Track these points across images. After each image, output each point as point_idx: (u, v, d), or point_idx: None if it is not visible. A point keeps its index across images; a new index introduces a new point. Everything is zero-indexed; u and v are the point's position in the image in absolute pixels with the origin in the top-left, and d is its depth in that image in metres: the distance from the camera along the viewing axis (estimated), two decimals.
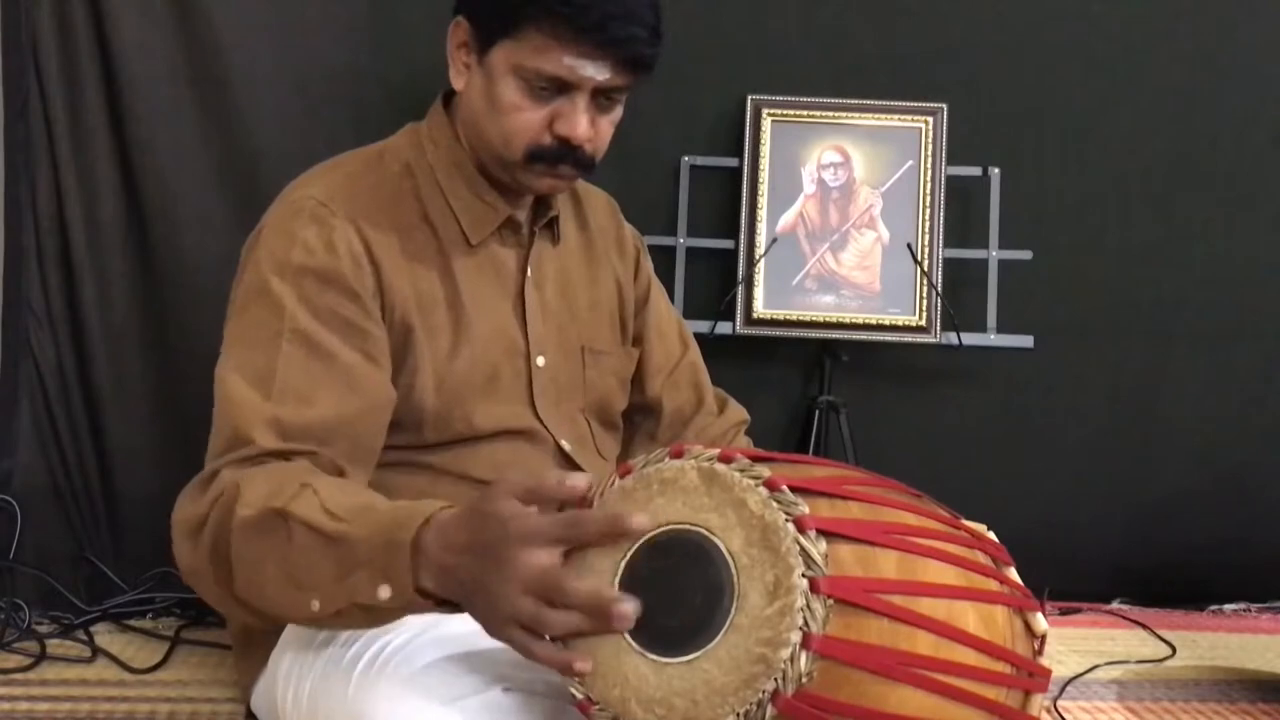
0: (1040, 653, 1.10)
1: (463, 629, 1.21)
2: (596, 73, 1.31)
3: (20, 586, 1.98)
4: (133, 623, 1.99)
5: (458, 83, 1.40)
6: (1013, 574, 1.11)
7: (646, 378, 1.66)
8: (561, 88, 1.32)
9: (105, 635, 1.94)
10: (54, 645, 1.87)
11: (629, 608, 0.92)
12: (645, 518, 0.95)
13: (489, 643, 1.17)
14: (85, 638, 1.91)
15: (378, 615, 1.07)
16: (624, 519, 0.94)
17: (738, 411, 1.75)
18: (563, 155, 1.36)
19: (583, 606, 0.94)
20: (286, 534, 1.10)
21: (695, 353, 1.73)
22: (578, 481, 0.97)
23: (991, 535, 1.13)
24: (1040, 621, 1.10)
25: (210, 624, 1.96)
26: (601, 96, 1.35)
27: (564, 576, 0.95)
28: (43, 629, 1.93)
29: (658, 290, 1.70)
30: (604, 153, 1.41)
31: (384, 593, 1.03)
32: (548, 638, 0.97)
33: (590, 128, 1.35)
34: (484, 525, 0.98)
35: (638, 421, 1.66)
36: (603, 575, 0.98)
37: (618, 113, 1.39)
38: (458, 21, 1.38)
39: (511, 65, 1.32)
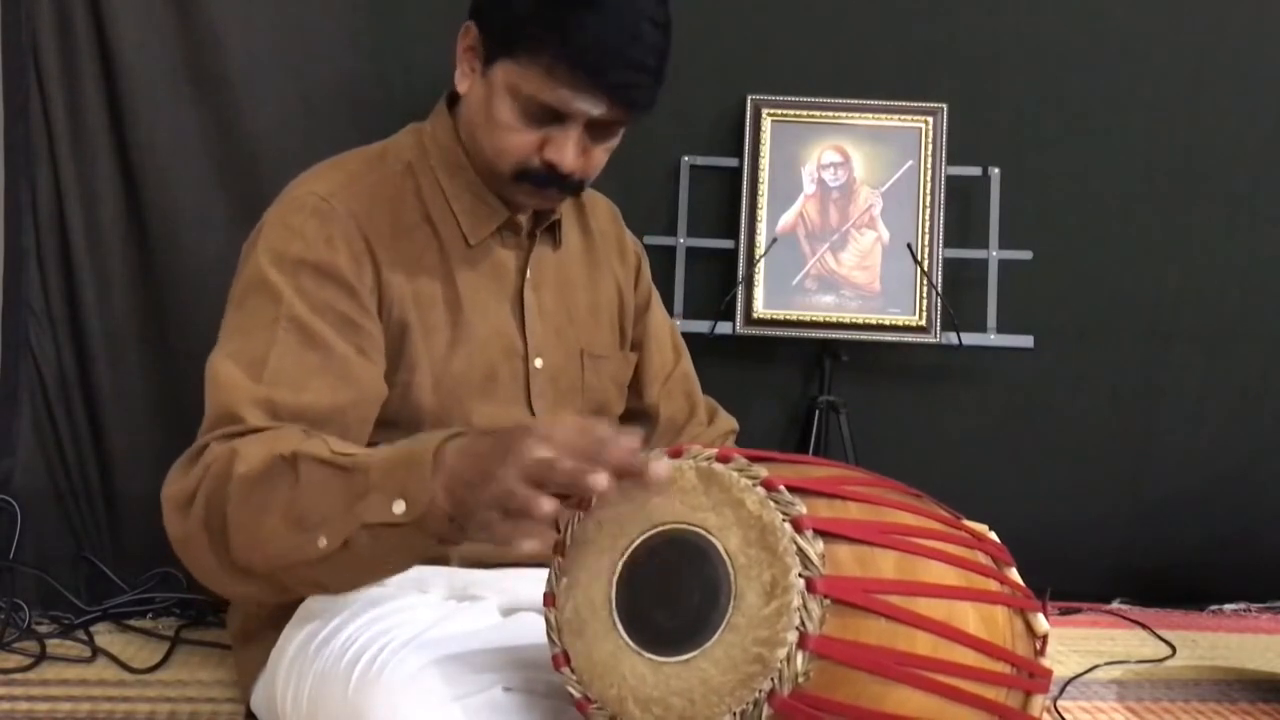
0: (1042, 653, 1.10)
1: (462, 629, 1.21)
2: (591, 108, 1.31)
3: (20, 586, 1.98)
4: (133, 623, 1.99)
5: (462, 85, 1.40)
6: (1014, 574, 1.11)
7: (644, 384, 1.66)
8: (555, 116, 1.32)
9: (105, 635, 1.94)
10: (54, 645, 1.87)
11: (664, 466, 0.94)
12: (667, 466, 0.95)
13: (489, 642, 1.17)
14: (85, 638, 1.91)
15: (388, 543, 1.05)
16: (647, 465, 0.94)
17: (727, 421, 1.75)
18: (549, 180, 1.36)
19: (574, 468, 0.94)
20: (294, 476, 1.10)
21: (688, 362, 1.74)
22: (632, 439, 0.97)
23: (993, 536, 1.13)
24: (1041, 622, 1.10)
25: (210, 624, 1.96)
26: (597, 127, 1.34)
27: (561, 460, 0.95)
28: (43, 629, 1.93)
29: (656, 299, 1.71)
30: (596, 176, 1.41)
31: (398, 507, 1.03)
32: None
33: (579, 158, 1.34)
34: (509, 431, 0.99)
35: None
36: (601, 576, 0.98)
37: (614, 141, 1.39)
38: (468, 25, 1.38)
39: (508, 85, 1.32)
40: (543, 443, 0.96)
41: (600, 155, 1.38)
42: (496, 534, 0.97)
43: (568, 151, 1.33)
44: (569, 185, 1.37)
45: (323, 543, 1.07)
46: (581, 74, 1.27)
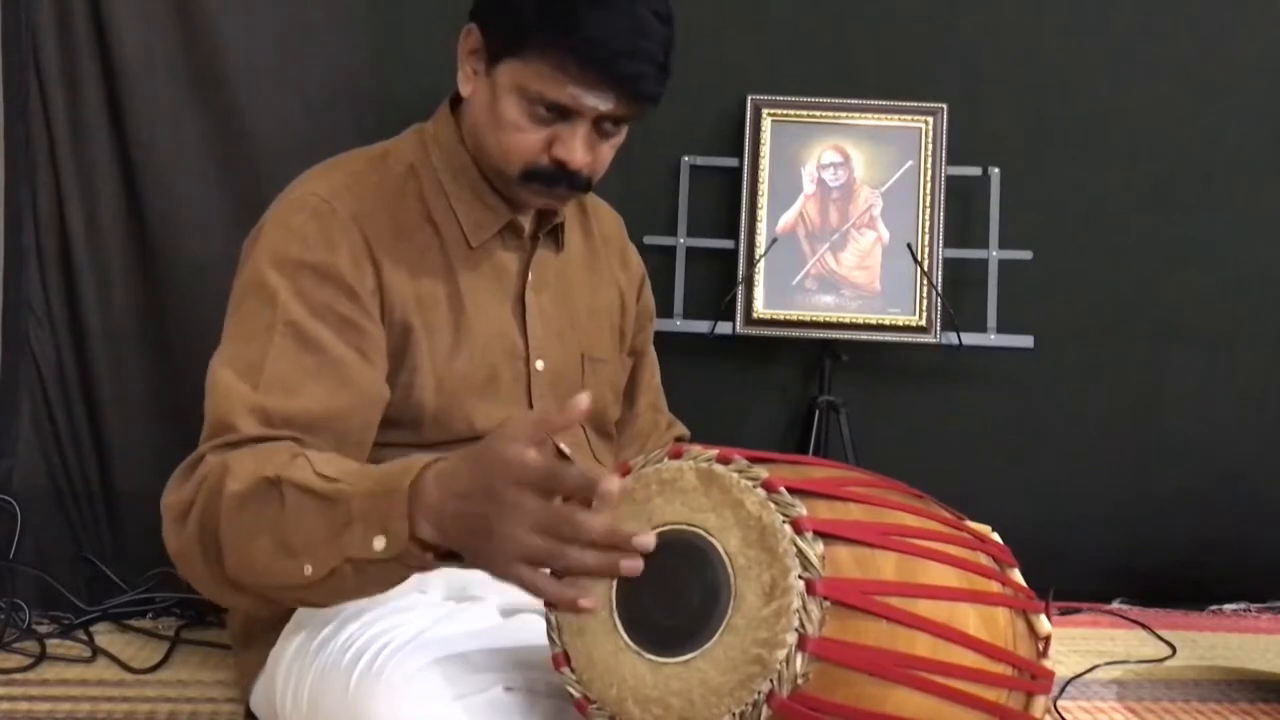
0: (1044, 654, 1.10)
1: (463, 629, 1.21)
2: (600, 103, 1.31)
3: (20, 586, 1.98)
4: (133, 623, 1.99)
5: (465, 88, 1.40)
6: (1016, 576, 1.11)
7: (638, 394, 1.69)
8: (563, 113, 1.32)
9: (105, 635, 1.94)
10: (54, 645, 1.87)
11: (650, 539, 0.93)
12: (618, 481, 0.95)
13: (489, 642, 1.17)
14: (85, 638, 1.90)
15: (371, 575, 1.06)
16: (597, 481, 0.94)
17: (680, 430, 1.76)
18: (558, 178, 1.35)
19: (600, 540, 0.94)
20: (279, 500, 1.09)
21: (659, 375, 1.75)
22: (579, 402, 0.97)
23: (995, 537, 1.13)
24: (1043, 623, 1.10)
25: (210, 624, 1.96)
26: (604, 123, 1.34)
27: (578, 511, 0.95)
28: (43, 629, 1.93)
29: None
30: (603, 173, 1.41)
31: (379, 543, 1.03)
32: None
33: (588, 154, 1.34)
34: (485, 469, 0.98)
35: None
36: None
37: (620, 137, 1.39)
38: (470, 28, 1.38)
39: (515, 85, 1.32)
40: (528, 490, 0.95)
41: (607, 152, 1.39)
42: (545, 592, 0.97)
43: (576, 148, 1.33)
44: (577, 182, 1.37)
45: (308, 570, 1.08)
46: (591, 70, 1.28)
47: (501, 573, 0.99)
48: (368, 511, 1.04)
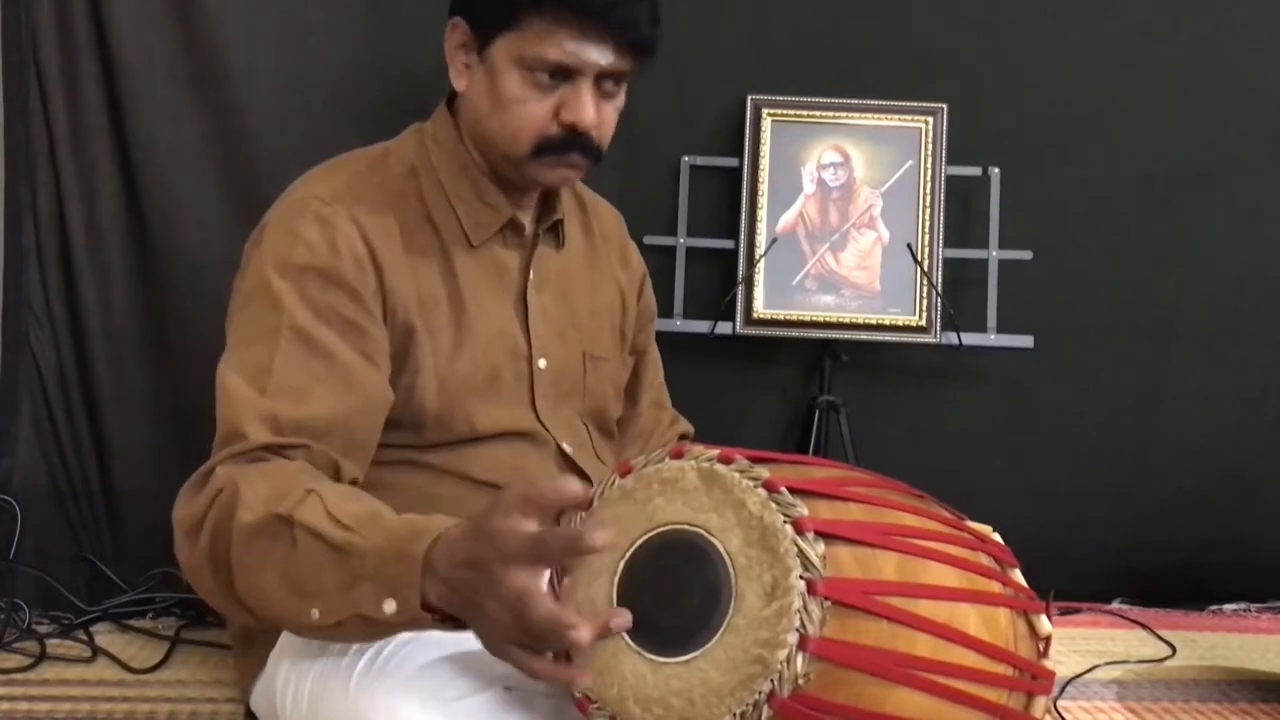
0: (1045, 654, 1.10)
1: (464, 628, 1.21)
2: (600, 57, 1.32)
3: (20, 586, 1.98)
4: (133, 623, 1.99)
5: (459, 84, 1.40)
6: (1017, 576, 1.11)
7: (640, 393, 1.69)
8: (565, 75, 1.33)
9: (105, 635, 1.94)
10: (54, 645, 1.87)
11: (583, 634, 0.92)
12: (604, 535, 0.94)
13: None
14: (85, 638, 1.91)
15: (379, 629, 1.07)
16: (582, 538, 0.93)
17: (685, 426, 1.76)
18: (570, 144, 1.36)
19: (544, 629, 0.93)
20: (290, 540, 1.09)
21: (662, 373, 1.76)
22: (569, 486, 0.97)
23: (996, 537, 1.13)
24: (1044, 623, 1.10)
25: (210, 624, 1.96)
26: (606, 82, 1.35)
27: (530, 599, 0.94)
28: (43, 629, 1.93)
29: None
30: (609, 142, 1.41)
31: (389, 607, 1.03)
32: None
33: (595, 114, 1.35)
34: (480, 542, 0.98)
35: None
36: (602, 576, 0.98)
37: (620, 99, 1.40)
38: (454, 23, 1.38)
39: (513, 57, 1.33)
40: (509, 563, 0.95)
41: (610, 114, 1.39)
42: (538, 673, 0.97)
43: (585, 107, 1.34)
44: (589, 147, 1.37)
45: (315, 615, 1.08)
46: (589, 20, 1.29)
47: (495, 651, 0.99)
48: (380, 572, 1.04)
